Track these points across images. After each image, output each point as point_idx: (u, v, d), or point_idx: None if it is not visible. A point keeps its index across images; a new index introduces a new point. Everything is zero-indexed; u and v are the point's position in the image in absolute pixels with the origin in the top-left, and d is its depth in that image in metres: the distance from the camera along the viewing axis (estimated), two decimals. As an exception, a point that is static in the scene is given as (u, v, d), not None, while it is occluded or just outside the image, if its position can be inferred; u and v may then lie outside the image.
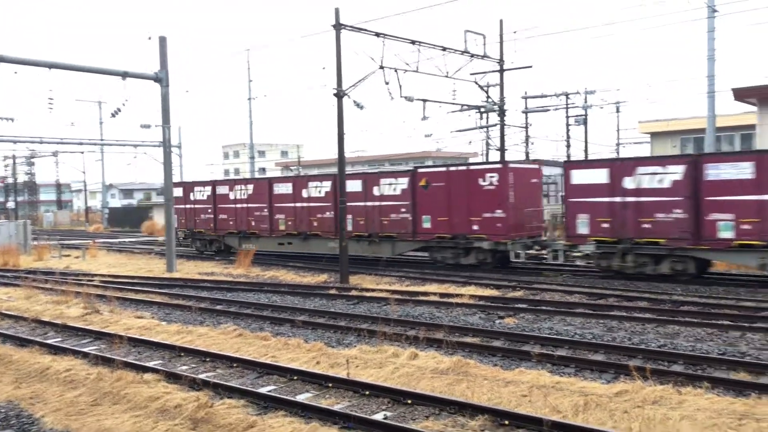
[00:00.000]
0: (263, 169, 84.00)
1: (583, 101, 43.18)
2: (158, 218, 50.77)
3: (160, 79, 23.75)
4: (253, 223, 27.16)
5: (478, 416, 7.17)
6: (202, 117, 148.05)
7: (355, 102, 21.76)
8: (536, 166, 22.23)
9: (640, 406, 7.36)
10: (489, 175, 20.39)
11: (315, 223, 24.77)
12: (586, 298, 15.69)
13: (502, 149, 29.88)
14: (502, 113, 29.37)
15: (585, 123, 44.43)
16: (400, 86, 22.41)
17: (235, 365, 9.91)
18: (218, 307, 15.63)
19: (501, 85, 29.50)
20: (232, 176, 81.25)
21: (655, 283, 17.55)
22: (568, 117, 44.74)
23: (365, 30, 20.18)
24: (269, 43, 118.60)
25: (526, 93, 45.98)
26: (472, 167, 21.35)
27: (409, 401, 7.84)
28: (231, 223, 28.09)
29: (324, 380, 8.80)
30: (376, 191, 23.02)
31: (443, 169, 22.11)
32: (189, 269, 24.73)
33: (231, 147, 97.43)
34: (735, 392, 7.97)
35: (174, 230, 25.47)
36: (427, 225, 21.69)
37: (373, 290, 17.42)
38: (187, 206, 30.07)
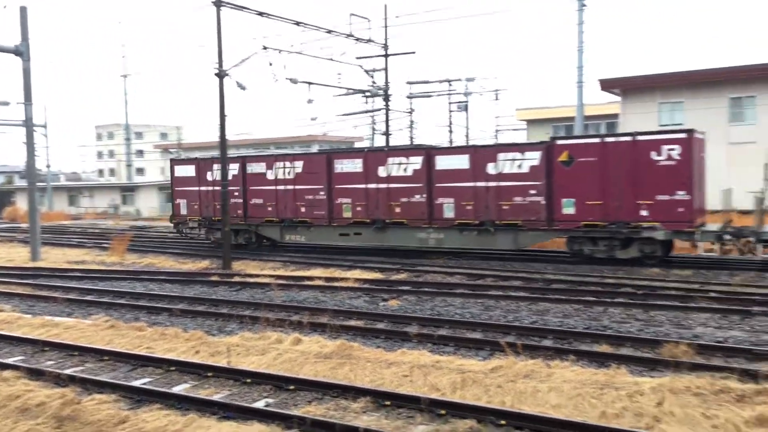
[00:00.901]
0: (141, 152, 79.88)
1: (465, 88, 44.47)
2: (22, 203, 47.02)
3: (21, 52, 21.85)
4: (302, 210, 21.75)
5: (360, 398, 7.22)
6: (73, 95, 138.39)
7: (237, 83, 21.14)
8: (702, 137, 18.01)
9: (513, 381, 7.71)
10: (667, 147, 16.45)
11: (397, 209, 20.03)
12: (466, 278, 16.26)
13: (387, 134, 30.22)
14: (386, 98, 29.67)
15: (466, 109, 45.80)
16: (284, 67, 22.03)
17: (105, 358, 9.36)
18: (88, 298, 14.71)
19: (386, 69, 29.76)
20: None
21: (528, 263, 18.51)
22: (450, 103, 45.99)
23: (247, 8, 19.61)
24: (144, 17, 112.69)
25: (410, 79, 46.73)
26: (640, 137, 16.99)
27: (292, 387, 7.75)
28: (269, 209, 22.52)
29: (203, 370, 8.52)
30: (491, 169, 18.57)
31: (596, 140, 17.86)
32: (59, 258, 23.08)
33: (105, 128, 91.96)
34: (598, 363, 8.53)
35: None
36: (569, 210, 17.65)
37: (256, 276, 17.10)
38: (202, 189, 23.96)
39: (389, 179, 20.17)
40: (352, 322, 11.38)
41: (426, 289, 14.54)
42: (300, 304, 13.24)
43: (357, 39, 28.39)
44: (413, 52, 54.62)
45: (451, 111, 46.50)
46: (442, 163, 19.26)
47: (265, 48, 20.92)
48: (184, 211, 24.73)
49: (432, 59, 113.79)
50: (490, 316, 11.80)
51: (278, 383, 7.89)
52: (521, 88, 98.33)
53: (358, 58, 29.67)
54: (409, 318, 11.56)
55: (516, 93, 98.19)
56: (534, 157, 18.01)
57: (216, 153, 22.35)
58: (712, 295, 12.80)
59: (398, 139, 42.97)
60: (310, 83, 26.08)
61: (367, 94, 30.95)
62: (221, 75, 18.98)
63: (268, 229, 22.91)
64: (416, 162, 19.70)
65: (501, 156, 18.43)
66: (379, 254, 20.93)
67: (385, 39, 29.48)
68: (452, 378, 7.86)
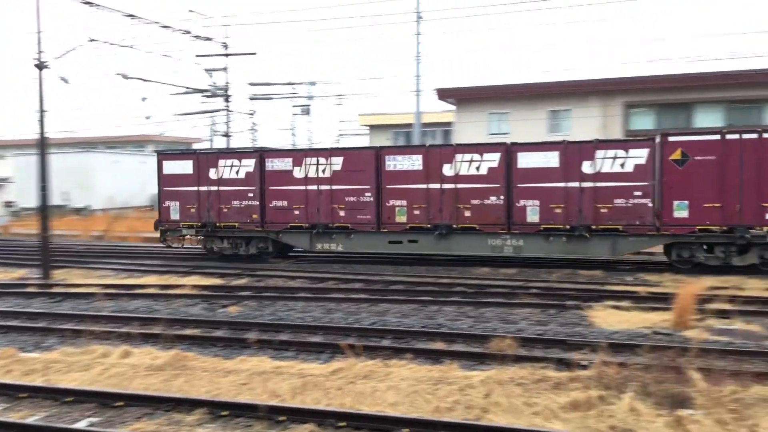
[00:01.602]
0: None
1: (307, 92, 44.51)
2: None
3: None
4: (341, 214, 18.90)
5: (195, 410, 6.92)
6: None
7: (61, 77, 19.46)
8: None
9: (353, 382, 7.81)
10: None
11: (467, 213, 17.80)
12: (308, 282, 16.25)
13: (227, 135, 29.40)
14: (227, 98, 28.88)
15: (309, 113, 45.85)
16: (115, 62, 20.65)
17: None
18: None
19: (226, 69, 28.96)
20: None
21: (370, 265, 18.92)
22: (294, 106, 45.79)
23: (71, -5, 18.12)
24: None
25: (252, 80, 45.89)
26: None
27: (120, 403, 7.25)
28: (296, 213, 19.29)
29: (15, 390, 7.70)
30: (587, 167, 16.83)
31: (715, 137, 16.15)
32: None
33: None
34: (433, 360, 8.90)
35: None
36: (681, 214, 16.20)
37: (81, 285, 15.82)
38: (203, 188, 20.26)
39: (457, 178, 17.86)
40: (188, 331, 10.90)
41: (267, 294, 14.32)
42: (131, 314, 12.44)
43: (196, 36, 27.37)
44: (254, 53, 53.65)
45: (294, 114, 46.34)
46: (525, 160, 17.35)
47: (92, 40, 19.48)
48: (175, 215, 20.55)
49: (275, 61, 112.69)
50: (332, 318, 11.88)
51: (104, 400, 7.34)
52: (363, 94, 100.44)
53: (197, 56, 28.62)
54: (249, 324, 11.30)
55: (359, 98, 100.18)
56: (640, 155, 16.46)
57: (208, 148, 20.05)
58: (534, 291, 13.89)
59: (240, 141, 41.96)
60: (143, 80, 24.69)
61: (207, 93, 29.90)
62: (41, 66, 17.36)
63: (294, 237, 19.59)
64: (492, 159, 17.61)
65: (600, 153, 16.73)
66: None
67: (225, 37, 28.70)
68: (293, 383, 7.80)
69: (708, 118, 33.06)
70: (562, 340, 9.68)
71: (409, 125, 36.35)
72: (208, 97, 30.72)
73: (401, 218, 18.36)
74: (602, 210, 16.72)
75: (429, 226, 18.09)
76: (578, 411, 6.69)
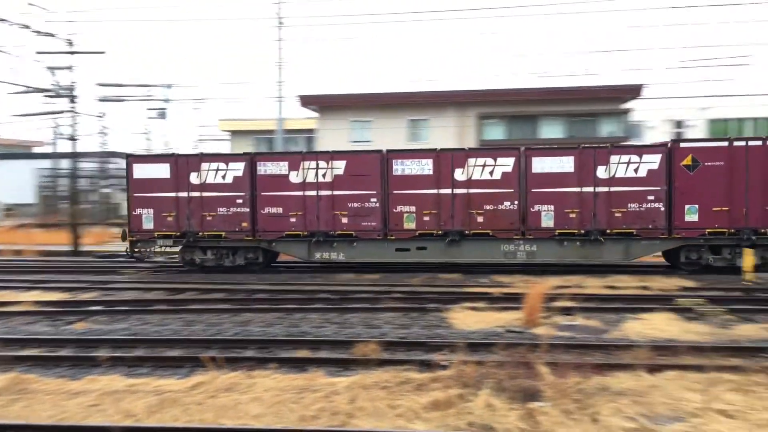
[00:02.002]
0: None
1: (163, 94, 42.58)
2: None
3: None
4: (344, 221, 18.06)
5: (37, 438, 6.34)
6: None
7: None
8: None
9: (214, 396, 7.54)
10: None
11: (479, 218, 17.54)
12: (165, 294, 15.50)
13: (72, 138, 27.35)
14: (72, 99, 26.88)
15: (165, 117, 43.88)
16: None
17: None
18: None
19: (71, 68, 26.95)
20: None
21: (232, 274, 18.41)
22: (148, 109, 43.56)
23: None
24: None
25: (102, 80, 43.13)
26: None
27: (-55, 436, 6.47)
28: (292, 220, 18.22)
29: None
30: (601, 172, 17.12)
31: (723, 143, 16.96)
32: None
33: None
34: (298, 369, 8.81)
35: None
36: (691, 218, 16.83)
37: None
38: (182, 194, 18.67)
39: (470, 183, 17.60)
40: (28, 351, 9.98)
41: (120, 308, 13.47)
42: (-41, 335, 11.16)
43: (36, 31, 25.28)
44: (103, 52, 50.57)
45: (149, 118, 44.09)
46: (540, 165, 17.31)
47: None
48: (148, 224, 18.81)
49: (127, 62, 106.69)
50: (192, 331, 11.40)
51: (-75, 434, 6.51)
52: (224, 98, 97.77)
53: (38, 53, 26.40)
54: (98, 341, 10.55)
55: (219, 103, 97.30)
56: (653, 161, 16.99)
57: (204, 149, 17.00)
58: (397, 296, 14.22)
59: (87, 145, 39.21)
60: (-27, 76, 22.33)
61: (50, 93, 27.65)
62: None
63: (289, 246, 18.54)
64: (507, 164, 17.47)
65: (614, 158, 17.09)
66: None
67: (70, 33, 26.72)
68: (149, 401, 7.38)
69: (551, 130, 35.75)
70: (424, 342, 9.97)
71: (271, 131, 35.89)
72: (51, 97, 28.39)
73: (410, 225, 17.86)
74: (616, 214, 17.12)
75: (440, 232, 17.76)
76: (439, 410, 6.92)
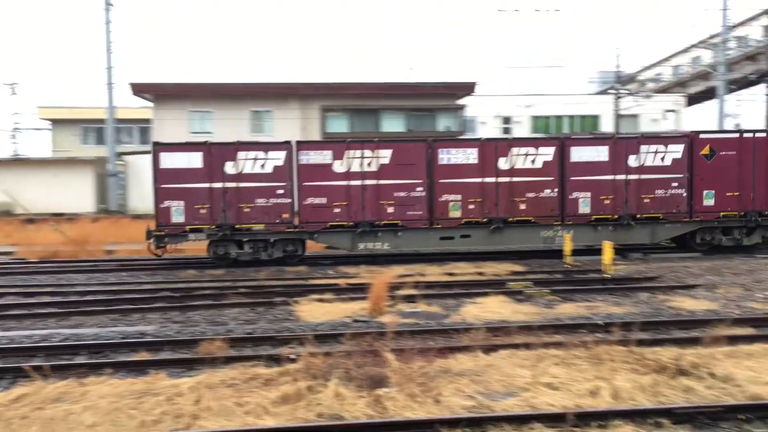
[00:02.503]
0: None
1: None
2: None
3: None
4: (389, 210, 17.74)
5: None
6: None
7: None
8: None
9: (41, 408, 6.91)
10: None
11: (522, 206, 18.06)
12: (-22, 299, 13.89)
13: None
14: None
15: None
16: None
17: None
18: None
19: None
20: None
21: (57, 275, 16.96)
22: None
23: None
24: None
25: None
26: None
27: None
28: (336, 210, 17.68)
29: None
30: (632, 161, 18.20)
31: (735, 135, 18.91)
32: None
33: None
34: (137, 372, 8.32)
35: None
36: (708, 202, 18.37)
37: None
38: (215, 185, 17.43)
39: (513, 172, 18.02)
40: None
41: None
42: None
43: None
44: None
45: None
46: (578, 154, 18.12)
47: None
48: (178, 218, 17.42)
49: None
50: (11, 339, 10.34)
51: None
52: (46, 85, 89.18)
53: None
54: None
55: (39, 89, 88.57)
56: (677, 150, 18.30)
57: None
58: (242, 290, 13.91)
59: None
60: None
61: None
62: None
63: (333, 237, 17.98)
64: (548, 153, 18.08)
65: (644, 148, 18.21)
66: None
67: None
68: (-40, 420, 6.59)
69: (392, 124, 36.85)
70: (271, 337, 9.86)
71: (101, 120, 33.47)
72: None
73: (455, 213, 18.05)
74: (645, 200, 18.33)
75: (484, 220, 18.08)
76: (288, 404, 6.89)
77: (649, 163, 18.36)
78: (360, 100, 35.93)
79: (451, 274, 16.02)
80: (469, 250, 19.14)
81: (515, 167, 18.19)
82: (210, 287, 14.59)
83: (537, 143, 18.61)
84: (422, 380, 7.43)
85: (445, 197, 18.04)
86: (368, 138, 20.00)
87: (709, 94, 42.56)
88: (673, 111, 46.03)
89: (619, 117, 41.76)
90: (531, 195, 18.24)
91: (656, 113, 45.04)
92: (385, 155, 17.99)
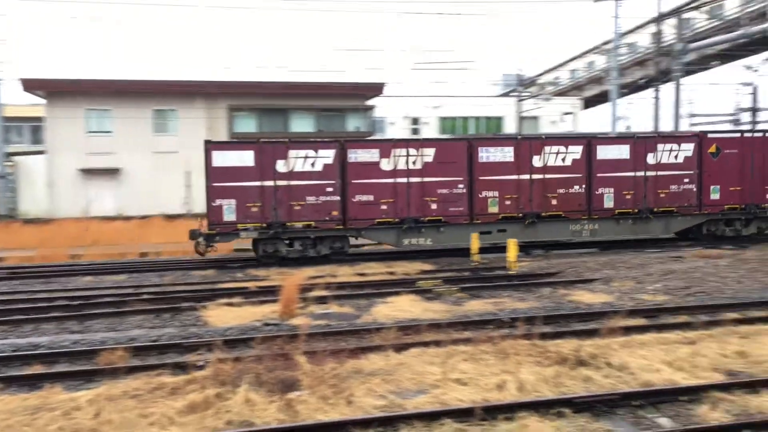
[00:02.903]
0: None
1: None
2: None
3: None
4: (433, 207, 18.46)
5: None
6: None
7: None
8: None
9: None
10: None
11: (553, 201, 19.12)
12: None
13: None
14: None
15: None
16: None
17: None
18: None
19: None
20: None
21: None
22: None
23: None
24: None
25: None
26: None
27: None
28: (383, 207, 18.22)
29: None
30: (650, 158, 19.63)
31: (737, 135, 21.18)
32: None
33: None
34: (30, 386, 7.82)
35: None
36: (715, 196, 20.01)
37: None
38: (266, 183, 17.52)
39: (545, 169, 19.03)
40: None
41: None
42: None
43: None
44: None
45: None
46: (603, 152, 19.37)
47: None
48: (230, 216, 17.46)
49: None
50: None
51: None
52: None
53: None
54: None
55: None
56: (689, 149, 19.88)
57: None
58: (146, 297, 13.37)
59: None
60: None
61: None
62: None
63: (379, 233, 18.60)
64: (576, 151, 19.21)
65: (660, 146, 19.63)
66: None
67: None
68: None
69: (301, 123, 36.61)
70: (178, 344, 9.53)
71: (-14, 118, 31.24)
72: None
73: (493, 209, 18.85)
74: (661, 195, 19.70)
75: (519, 215, 18.96)
76: (196, 413, 6.68)
77: (665, 160, 19.82)
78: (269, 100, 35.42)
79: (362, 275, 16.08)
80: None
81: (548, 164, 19.22)
82: (110, 294, 13.92)
83: (567, 142, 19.78)
84: (334, 382, 7.40)
85: (484, 194, 18.87)
86: (414, 137, 20.89)
87: (603, 98, 45.03)
88: (570, 113, 48.34)
89: (521, 119, 43.38)
90: (561, 191, 19.28)
91: (555, 115, 47.16)
92: (429, 153, 18.56)
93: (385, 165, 18.33)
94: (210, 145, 17.77)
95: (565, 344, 8.68)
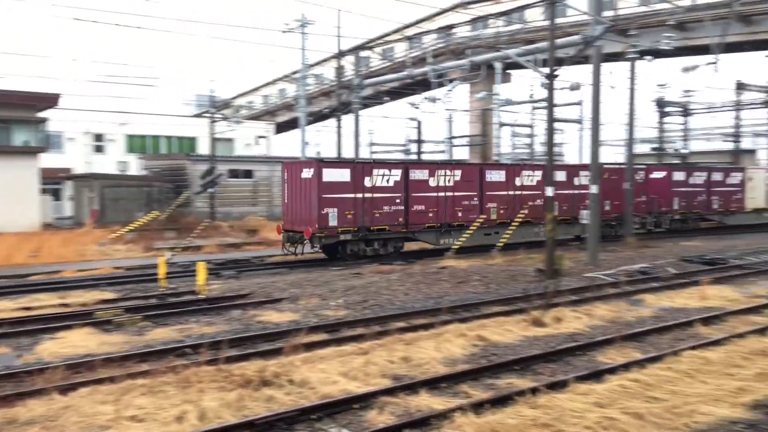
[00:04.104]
0: None
1: None
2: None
3: None
4: (459, 214, 23.78)
5: None
6: None
7: None
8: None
9: None
10: None
11: (526, 211, 25.04)
12: None
13: None
14: None
15: None
16: None
17: None
18: None
19: None
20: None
21: None
22: None
23: None
24: None
25: None
26: None
27: None
28: (430, 215, 23.08)
29: None
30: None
31: (617, 167, 29.44)
32: None
33: None
34: None
35: None
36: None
37: None
38: (358, 195, 21.41)
39: (523, 187, 25.46)
40: None
41: None
42: None
43: None
44: None
45: None
46: (560, 176, 25.89)
47: None
48: (333, 221, 20.90)
49: None
50: None
51: None
52: None
53: None
54: None
55: None
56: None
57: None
58: None
59: None
60: None
61: None
62: None
63: (426, 235, 23.33)
64: (537, 175, 25.94)
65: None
66: None
67: None
68: None
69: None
70: None
71: None
72: None
73: (494, 216, 24.64)
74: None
75: (508, 220, 24.78)
76: None
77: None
78: None
79: (27, 309, 14.09)
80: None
81: (524, 183, 25.66)
82: None
83: (534, 168, 26.50)
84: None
85: (489, 205, 24.65)
86: (450, 160, 30.21)
87: (293, 124, 47.10)
88: (264, 137, 49.52)
89: (214, 140, 43.01)
90: (530, 203, 25.42)
91: (250, 138, 47.83)
92: (458, 173, 24.10)
93: (432, 182, 23.37)
94: (321, 164, 21.39)
95: (250, 366, 8.70)
